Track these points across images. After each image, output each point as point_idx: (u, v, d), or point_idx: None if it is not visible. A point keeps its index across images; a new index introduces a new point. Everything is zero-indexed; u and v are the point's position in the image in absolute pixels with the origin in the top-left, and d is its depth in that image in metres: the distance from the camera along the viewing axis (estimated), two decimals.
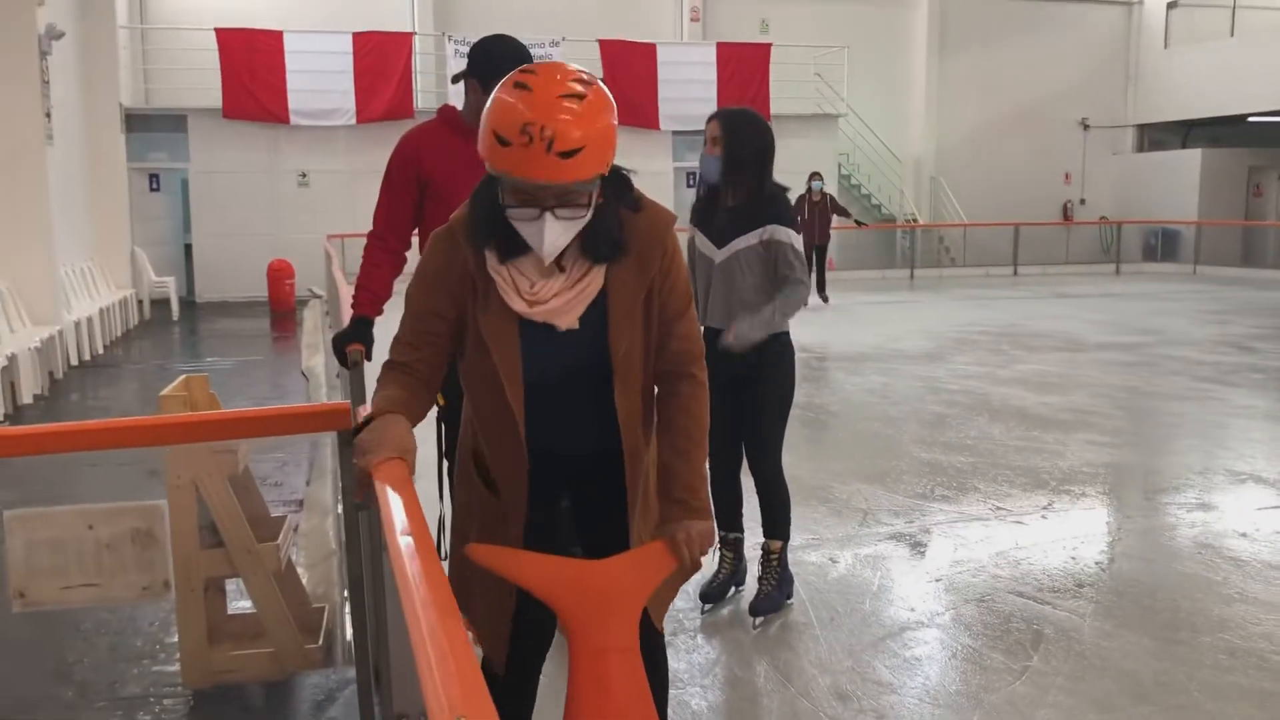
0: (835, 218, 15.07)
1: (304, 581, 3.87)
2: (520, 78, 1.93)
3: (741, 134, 3.76)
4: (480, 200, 2.10)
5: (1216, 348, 10.93)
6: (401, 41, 17.28)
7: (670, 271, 2.16)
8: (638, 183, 2.16)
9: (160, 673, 3.56)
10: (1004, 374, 9.30)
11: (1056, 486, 5.71)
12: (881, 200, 21.70)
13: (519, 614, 2.23)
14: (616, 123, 1.98)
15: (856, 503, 5.42)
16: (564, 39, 17.49)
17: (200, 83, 16.50)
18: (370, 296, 3.56)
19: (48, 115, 10.07)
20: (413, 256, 3.29)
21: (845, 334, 12.16)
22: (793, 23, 20.75)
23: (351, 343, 3.57)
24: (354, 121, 17.00)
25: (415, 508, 1.75)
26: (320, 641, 3.43)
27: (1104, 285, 18.84)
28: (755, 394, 3.81)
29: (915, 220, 21.62)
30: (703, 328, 3.80)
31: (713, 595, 4.07)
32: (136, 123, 16.15)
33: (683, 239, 2.55)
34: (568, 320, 2.09)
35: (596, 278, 2.10)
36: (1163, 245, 22.49)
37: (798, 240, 3.77)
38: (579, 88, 1.91)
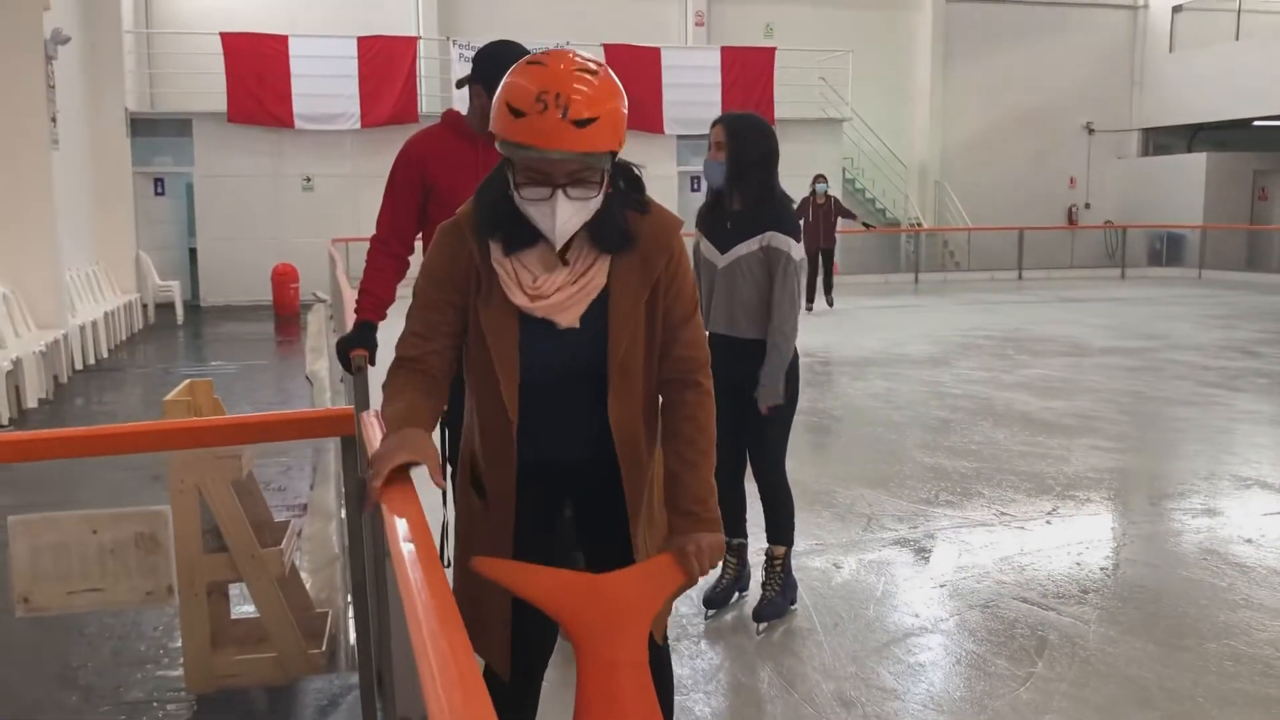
0: (841, 220, 15.01)
1: (307, 586, 3.88)
2: (532, 58, 1.96)
3: (746, 139, 3.76)
4: (487, 191, 2.09)
5: (1222, 352, 10.91)
6: (406, 46, 17.31)
7: (676, 276, 2.14)
8: None
9: (164, 677, 3.57)
10: (1008, 379, 9.29)
11: (1061, 492, 5.70)
12: (886, 204, 21.68)
13: (520, 619, 2.21)
14: (626, 110, 1.99)
15: (860, 508, 5.41)
16: (568, 43, 17.45)
17: (205, 87, 16.53)
18: (374, 301, 3.56)
19: (53, 119, 10.10)
20: (416, 261, 3.30)
21: (849, 338, 12.15)
22: (797, 27, 20.77)
23: (355, 347, 3.57)
24: (358, 126, 17.02)
25: (418, 515, 1.75)
26: (324, 646, 3.43)
27: (1109, 290, 18.81)
28: (758, 399, 3.80)
29: (919, 224, 21.61)
30: (706, 333, 3.79)
31: (716, 601, 4.07)
32: (141, 127, 16.18)
33: (688, 243, 2.55)
34: (569, 317, 2.07)
35: (600, 274, 2.08)
36: (1168, 249, 22.45)
37: (797, 249, 3.76)
38: (592, 66, 1.95)
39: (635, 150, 2.07)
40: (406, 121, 16.34)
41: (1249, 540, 4.89)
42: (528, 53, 3.35)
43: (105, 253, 13.62)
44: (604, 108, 1.92)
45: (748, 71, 18.67)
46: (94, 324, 10.93)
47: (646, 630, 1.97)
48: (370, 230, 3.60)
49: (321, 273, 15.26)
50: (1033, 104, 22.82)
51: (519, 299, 2.06)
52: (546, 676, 2.45)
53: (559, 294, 2.06)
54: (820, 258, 14.83)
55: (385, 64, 16.97)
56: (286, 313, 15.17)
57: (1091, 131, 23.53)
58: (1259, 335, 12.31)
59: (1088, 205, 23.70)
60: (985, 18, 22.41)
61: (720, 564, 4.03)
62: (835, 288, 15.35)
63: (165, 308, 15.09)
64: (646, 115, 17.87)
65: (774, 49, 19.06)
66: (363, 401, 3.58)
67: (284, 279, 15.35)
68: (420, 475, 1.96)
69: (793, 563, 4.09)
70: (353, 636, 3.48)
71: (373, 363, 3.59)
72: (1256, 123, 21.37)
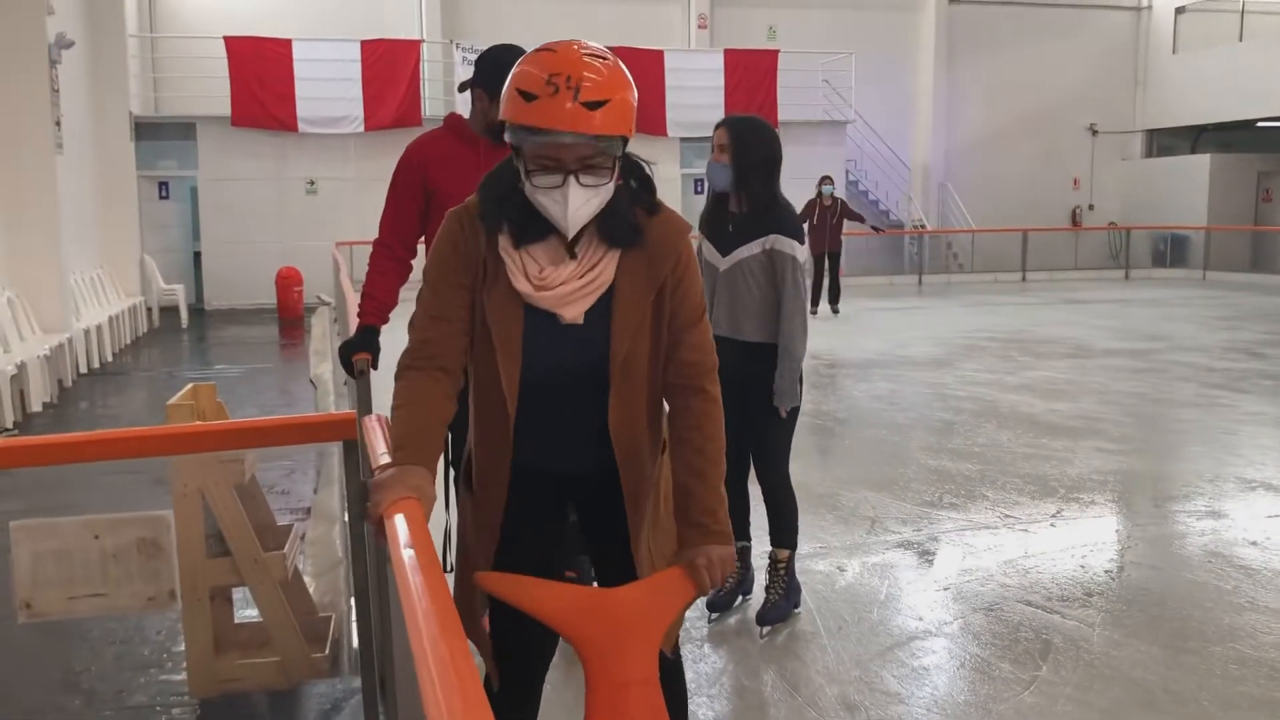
0: (848, 224, 14.64)
1: (311, 590, 3.87)
2: (542, 46, 1.97)
3: (749, 141, 3.76)
4: (494, 183, 2.07)
5: (1226, 354, 10.89)
6: (409, 49, 17.32)
7: (683, 279, 2.12)
8: None
9: (167, 682, 3.56)
10: (1012, 381, 9.28)
11: (1065, 494, 5.69)
12: (889, 206, 21.67)
13: (521, 622, 2.20)
14: (636, 102, 1.98)
15: (864, 511, 5.40)
16: None
17: (209, 91, 16.55)
18: (376, 305, 3.56)
19: (57, 124, 10.12)
20: (418, 264, 3.29)
21: (853, 340, 12.14)
22: (800, 29, 20.77)
23: (358, 351, 3.57)
24: (362, 129, 17.03)
25: (420, 521, 1.75)
26: (327, 650, 3.42)
27: (1112, 291, 18.78)
28: (762, 401, 3.80)
29: (923, 226, 21.59)
30: None
31: (720, 604, 4.06)
32: (146, 131, 16.21)
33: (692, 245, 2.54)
34: (573, 312, 2.05)
35: (607, 270, 2.06)
36: (1172, 251, 22.42)
37: (801, 251, 3.76)
38: (602, 53, 1.96)
39: (638, 152, 2.06)
40: (410, 125, 16.34)
41: (1254, 543, 4.88)
42: None
43: (110, 256, 13.64)
44: (615, 93, 1.92)
45: (751, 74, 18.67)
46: (98, 328, 10.94)
47: (657, 646, 1.93)
48: (374, 233, 3.60)
49: (325, 276, 15.27)
50: (1036, 105, 22.81)
51: (522, 285, 2.04)
52: (548, 678, 2.45)
53: (564, 287, 2.03)
54: (826, 261, 14.44)
55: (389, 67, 16.98)
56: (290, 316, 15.18)
57: (1095, 133, 23.51)
58: (1263, 337, 12.28)
59: (1091, 207, 23.68)
60: (988, 19, 22.41)
61: None
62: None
63: (170, 311, 15.11)
64: (649, 118, 17.86)
65: (777, 51, 19.05)
66: (365, 406, 3.58)
67: (288, 282, 15.36)
68: None
69: (796, 566, 4.08)
70: (356, 640, 3.48)
71: (375, 367, 3.59)
72: (1260, 124, 21.35)
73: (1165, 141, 23.77)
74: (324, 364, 9.88)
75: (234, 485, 3.21)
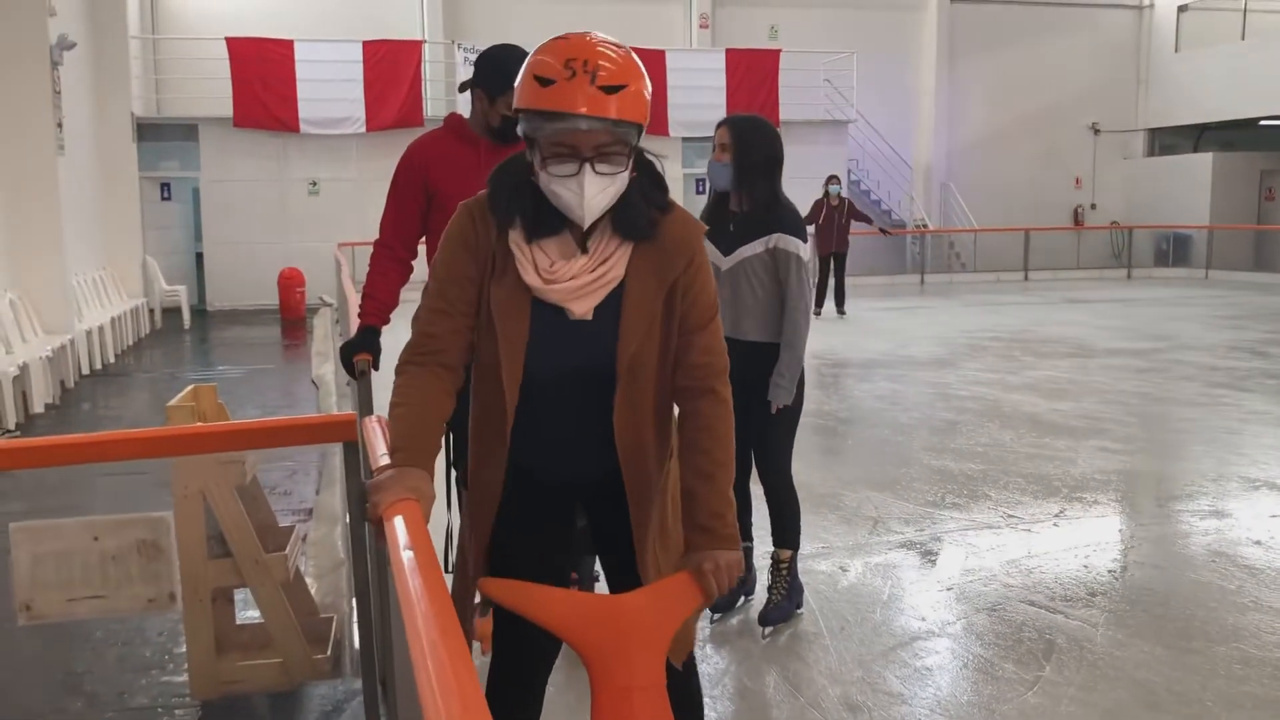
0: (854, 224, 14.39)
1: (312, 591, 3.87)
2: (556, 37, 1.98)
3: (750, 141, 3.75)
4: (504, 176, 2.06)
5: (1229, 353, 10.88)
6: (411, 50, 17.32)
7: (695, 280, 2.08)
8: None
9: (168, 683, 3.56)
10: (1015, 380, 9.26)
11: (1068, 494, 5.68)
12: (891, 206, 21.64)
13: (522, 623, 2.19)
14: (649, 95, 1.98)
15: (866, 511, 5.39)
16: None
17: (211, 92, 16.56)
18: (377, 305, 3.55)
19: (59, 125, 10.13)
20: (419, 265, 3.29)
21: (855, 340, 12.13)
22: (802, 29, 20.76)
23: (359, 352, 3.57)
24: (364, 130, 17.04)
25: (420, 523, 1.74)
26: (328, 652, 3.42)
27: (1115, 290, 18.77)
28: (763, 402, 3.79)
29: (925, 226, 21.58)
30: None
31: (722, 605, 4.05)
32: (148, 132, 16.22)
33: None
34: (583, 307, 2.02)
35: (619, 266, 2.03)
36: (1174, 250, 22.39)
37: (804, 250, 3.75)
38: (615, 42, 1.98)
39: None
40: (412, 125, 16.35)
41: (1258, 542, 4.87)
42: None
43: (112, 258, 13.65)
44: (631, 80, 1.93)
45: (752, 74, 18.67)
46: (100, 329, 10.95)
47: (663, 653, 1.89)
48: (375, 234, 3.60)
49: (327, 277, 15.28)
50: (1038, 104, 22.79)
51: (531, 278, 2.01)
52: (550, 680, 2.44)
53: (573, 280, 2.00)
54: (832, 262, 14.24)
55: (390, 68, 16.98)
56: (292, 317, 15.19)
57: (1097, 132, 23.48)
58: (1267, 335, 12.27)
59: (1094, 206, 23.65)
60: (990, 18, 22.38)
61: None
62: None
63: (172, 312, 15.12)
64: (651, 117, 17.74)
65: (779, 51, 19.04)
66: (367, 407, 3.58)
67: (290, 283, 15.37)
68: None
69: (799, 566, 4.07)
70: (357, 642, 3.48)
71: (376, 368, 3.59)
72: (1263, 122, 21.32)
73: (1167, 140, 23.74)
74: (326, 365, 9.88)
75: (235, 486, 3.21)
